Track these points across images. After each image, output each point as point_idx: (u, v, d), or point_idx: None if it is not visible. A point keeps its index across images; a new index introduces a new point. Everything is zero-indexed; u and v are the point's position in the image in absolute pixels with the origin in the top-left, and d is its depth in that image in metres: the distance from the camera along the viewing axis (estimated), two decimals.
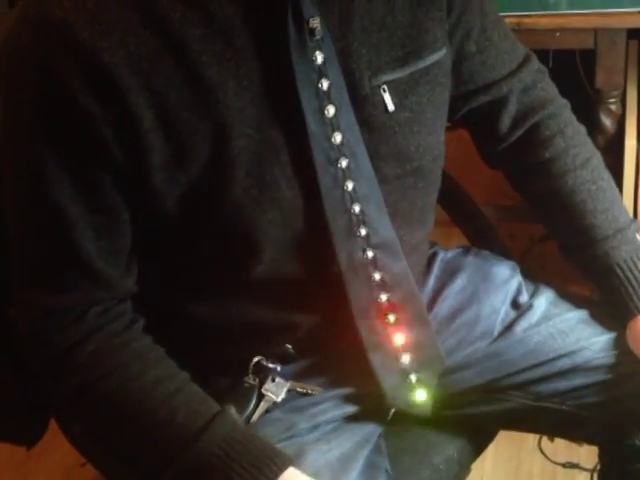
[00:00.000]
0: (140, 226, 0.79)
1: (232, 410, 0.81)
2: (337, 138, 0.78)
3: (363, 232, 0.82)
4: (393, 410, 0.94)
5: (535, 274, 1.04)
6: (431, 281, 1.01)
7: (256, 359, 0.90)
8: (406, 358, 0.90)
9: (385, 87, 0.80)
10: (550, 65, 1.00)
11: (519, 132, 0.96)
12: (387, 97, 0.80)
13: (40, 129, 0.72)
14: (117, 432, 0.80)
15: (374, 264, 0.84)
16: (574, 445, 1.04)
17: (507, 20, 1.00)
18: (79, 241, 0.76)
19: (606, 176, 0.96)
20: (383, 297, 0.86)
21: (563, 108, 0.97)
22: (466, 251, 1.05)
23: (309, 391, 0.92)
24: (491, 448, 1.09)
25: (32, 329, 0.80)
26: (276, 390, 0.90)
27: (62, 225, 0.75)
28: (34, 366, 0.82)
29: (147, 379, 0.79)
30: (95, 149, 0.72)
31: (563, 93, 0.99)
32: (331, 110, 0.77)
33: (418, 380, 0.91)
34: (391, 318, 0.87)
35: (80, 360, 0.78)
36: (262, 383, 0.89)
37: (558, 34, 1.43)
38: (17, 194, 0.77)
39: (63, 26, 0.68)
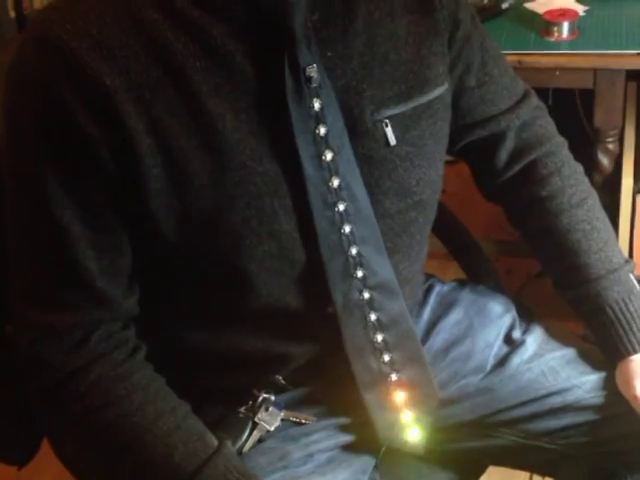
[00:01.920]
0: (139, 250, 0.79)
1: (228, 447, 0.81)
2: (335, 182, 0.78)
3: (360, 274, 0.82)
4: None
5: (530, 310, 1.05)
6: (426, 313, 1.01)
7: (253, 391, 0.90)
8: (400, 397, 0.90)
9: (387, 121, 0.80)
10: (549, 103, 1.02)
11: (516, 168, 0.97)
12: (389, 131, 0.80)
13: (40, 148, 0.73)
14: (113, 462, 0.80)
15: (370, 305, 0.84)
16: None
17: (508, 58, 1.01)
18: (81, 260, 0.76)
19: (602, 216, 0.96)
20: (379, 337, 0.86)
21: (561, 146, 0.98)
22: (462, 285, 1.06)
23: (303, 420, 0.92)
24: None
25: (32, 350, 0.80)
26: (270, 419, 0.90)
27: (63, 244, 0.76)
28: (32, 388, 0.82)
29: (147, 413, 0.79)
30: (93, 170, 0.73)
31: (562, 131, 1.00)
32: (329, 155, 0.77)
33: (412, 418, 0.91)
34: (386, 358, 0.87)
35: (81, 389, 0.79)
36: (256, 412, 0.90)
37: (558, 73, 1.45)
38: (19, 212, 0.78)
39: (66, 50, 0.70)
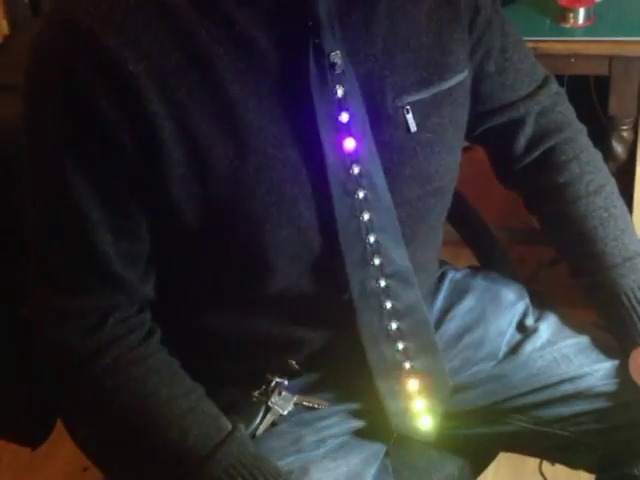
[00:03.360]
0: (157, 235, 0.79)
1: (241, 431, 0.82)
2: (355, 170, 0.78)
3: (377, 262, 0.82)
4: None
5: (543, 297, 1.04)
6: (439, 300, 1.02)
7: (267, 376, 0.90)
8: (413, 385, 0.90)
9: (408, 108, 0.80)
10: (564, 90, 1.01)
11: (534, 154, 0.96)
12: (410, 118, 0.80)
13: (61, 132, 0.73)
14: (126, 444, 0.81)
15: (387, 293, 0.84)
16: None
17: None
18: (99, 244, 0.76)
19: (619, 204, 0.96)
20: (393, 325, 0.86)
21: (580, 133, 0.98)
22: (475, 272, 1.06)
23: (316, 405, 0.92)
24: (492, 469, 1.09)
25: (49, 333, 0.80)
26: (283, 403, 0.90)
27: (82, 228, 0.76)
28: (48, 370, 0.82)
29: (161, 396, 0.79)
30: (114, 155, 0.73)
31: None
32: (350, 143, 0.77)
33: (424, 407, 0.91)
34: (400, 346, 0.87)
35: (96, 372, 0.79)
36: (269, 396, 0.90)
37: (573, 60, 1.44)
38: (38, 196, 0.78)
39: (89, 34, 0.70)
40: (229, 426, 0.81)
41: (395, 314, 0.86)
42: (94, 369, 0.79)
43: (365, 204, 0.79)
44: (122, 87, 0.70)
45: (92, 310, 0.80)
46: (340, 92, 0.76)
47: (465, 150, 0.92)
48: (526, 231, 1.77)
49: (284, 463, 0.86)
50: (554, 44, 1.44)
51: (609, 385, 0.93)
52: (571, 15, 1.46)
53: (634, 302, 0.91)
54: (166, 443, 0.79)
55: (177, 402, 0.80)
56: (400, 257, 0.84)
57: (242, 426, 0.83)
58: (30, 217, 0.79)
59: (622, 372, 0.93)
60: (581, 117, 1.00)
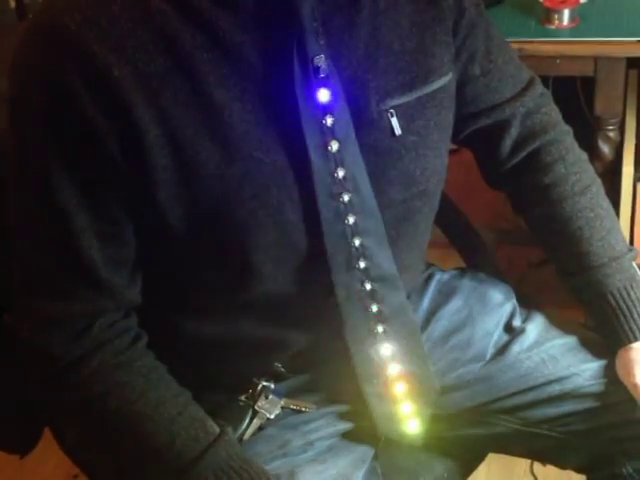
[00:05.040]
0: (143, 239, 0.79)
1: (229, 434, 0.82)
2: (340, 173, 0.78)
3: (362, 265, 0.82)
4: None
5: (530, 298, 1.05)
6: (426, 302, 1.02)
7: (253, 380, 0.91)
8: (400, 388, 0.90)
9: (393, 111, 0.80)
10: (550, 91, 1.01)
11: (520, 156, 0.96)
12: (394, 121, 0.80)
13: (46, 138, 0.73)
14: (114, 449, 0.81)
15: (372, 296, 0.84)
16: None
17: None
18: (85, 249, 0.76)
19: (605, 204, 0.96)
20: (380, 328, 0.86)
21: (565, 134, 0.98)
22: (462, 273, 1.06)
23: (303, 408, 0.92)
24: (483, 470, 1.09)
25: (35, 339, 0.80)
26: (269, 407, 0.90)
27: (68, 233, 0.76)
28: (34, 377, 0.82)
29: (149, 401, 0.79)
30: (99, 161, 0.73)
31: (562, 119, 1.00)
32: (335, 146, 0.77)
33: (411, 411, 0.91)
34: (386, 349, 0.87)
35: (83, 377, 0.79)
36: (256, 400, 0.90)
37: (559, 61, 1.44)
38: (23, 201, 0.78)
39: (74, 39, 0.70)
40: (217, 430, 0.81)
41: (381, 317, 0.86)
42: (81, 374, 0.79)
43: (350, 207, 0.80)
44: (107, 92, 0.70)
45: (78, 315, 0.80)
46: (324, 96, 0.76)
47: (453, 152, 0.92)
48: (514, 232, 1.77)
49: (271, 467, 0.86)
50: (539, 45, 1.44)
51: (596, 385, 0.93)
52: (556, 16, 1.46)
53: (620, 302, 0.91)
54: (154, 447, 0.79)
55: (165, 406, 0.80)
56: (385, 260, 0.84)
57: (230, 429, 0.83)
58: (15, 223, 0.79)
59: (609, 372, 0.93)
60: (567, 118, 1.01)
